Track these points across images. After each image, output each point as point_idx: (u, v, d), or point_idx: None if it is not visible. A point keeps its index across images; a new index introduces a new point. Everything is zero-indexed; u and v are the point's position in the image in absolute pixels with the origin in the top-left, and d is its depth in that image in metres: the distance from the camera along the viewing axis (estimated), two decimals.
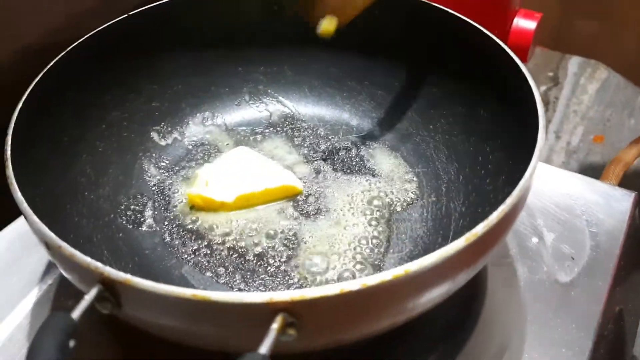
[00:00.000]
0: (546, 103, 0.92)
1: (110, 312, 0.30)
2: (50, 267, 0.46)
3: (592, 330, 0.42)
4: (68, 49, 0.45)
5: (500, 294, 0.44)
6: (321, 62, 0.54)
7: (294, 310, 0.27)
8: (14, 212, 0.41)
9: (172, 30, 0.51)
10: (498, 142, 0.43)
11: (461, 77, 0.48)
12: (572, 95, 0.94)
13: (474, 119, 0.46)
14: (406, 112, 0.51)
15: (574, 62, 1.00)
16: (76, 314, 0.27)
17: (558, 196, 0.51)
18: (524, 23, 0.77)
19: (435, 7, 0.49)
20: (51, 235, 0.31)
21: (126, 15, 0.48)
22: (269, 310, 0.27)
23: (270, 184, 0.46)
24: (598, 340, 0.42)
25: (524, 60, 0.78)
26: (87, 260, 0.29)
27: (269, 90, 0.54)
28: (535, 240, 0.48)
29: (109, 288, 0.29)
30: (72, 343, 0.26)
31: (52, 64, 0.43)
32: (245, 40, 0.53)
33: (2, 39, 0.52)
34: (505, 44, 0.79)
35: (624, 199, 0.51)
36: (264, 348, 0.26)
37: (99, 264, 0.29)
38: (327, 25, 0.45)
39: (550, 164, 0.82)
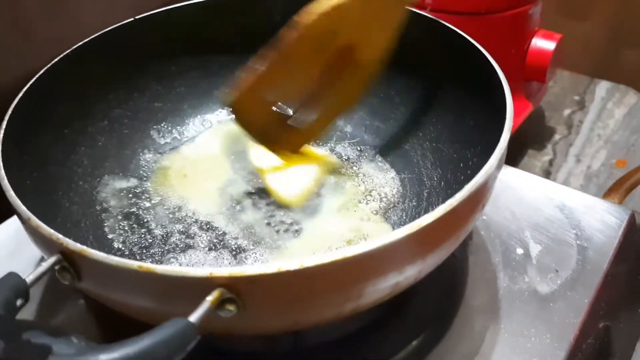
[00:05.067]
0: (569, 126, 0.91)
1: (70, 284, 0.32)
2: None
3: (567, 342, 0.41)
4: (77, 44, 0.48)
5: (476, 300, 0.44)
6: None
7: (232, 287, 0.28)
8: None
9: (180, 35, 0.54)
10: (478, 149, 0.44)
11: (453, 86, 0.49)
12: (598, 119, 0.92)
13: (460, 127, 0.47)
14: (399, 121, 0.52)
15: (602, 87, 0.98)
16: (30, 277, 0.29)
17: (550, 209, 0.51)
18: (543, 43, 0.77)
19: (434, 20, 0.50)
20: (23, 208, 0.33)
21: (134, 18, 0.51)
22: (208, 285, 0.28)
23: None
24: (573, 352, 0.41)
25: (542, 80, 0.78)
26: (50, 231, 0.31)
27: None
28: (520, 251, 0.47)
29: (68, 259, 0.31)
30: (19, 302, 0.28)
31: (60, 57, 0.46)
32: (250, 47, 0.55)
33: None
34: (523, 63, 0.79)
35: (619, 217, 0.50)
36: (194, 317, 0.27)
37: (59, 236, 0.31)
38: None
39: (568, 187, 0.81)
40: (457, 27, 0.49)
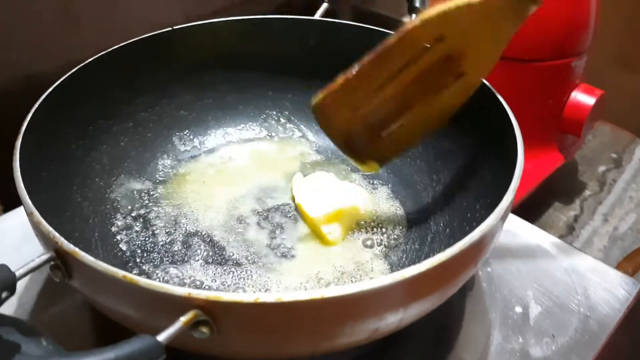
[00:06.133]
0: (602, 184, 0.88)
1: (61, 281, 0.33)
2: None
3: None
4: (112, 48, 0.49)
5: (466, 353, 0.43)
6: None
7: (208, 309, 0.29)
8: None
9: (215, 48, 0.55)
10: (487, 202, 0.43)
11: (474, 136, 0.48)
12: (632, 180, 0.89)
13: (474, 177, 0.46)
14: (415, 160, 0.52)
15: None
16: (20, 271, 0.30)
17: (559, 272, 0.50)
18: (582, 97, 0.75)
19: None
20: (28, 201, 0.34)
21: (171, 28, 0.53)
22: (185, 304, 0.29)
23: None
24: None
25: (577, 134, 0.77)
26: (48, 229, 0.32)
27: (292, 118, 0.57)
28: (519, 309, 0.46)
29: (61, 257, 0.32)
30: (4, 294, 0.29)
31: (95, 57, 0.48)
32: (280, 67, 0.56)
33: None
34: (560, 115, 0.78)
35: (628, 289, 0.48)
36: (163, 336, 0.27)
37: (56, 234, 0.32)
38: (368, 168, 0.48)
39: (590, 247, 0.79)
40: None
